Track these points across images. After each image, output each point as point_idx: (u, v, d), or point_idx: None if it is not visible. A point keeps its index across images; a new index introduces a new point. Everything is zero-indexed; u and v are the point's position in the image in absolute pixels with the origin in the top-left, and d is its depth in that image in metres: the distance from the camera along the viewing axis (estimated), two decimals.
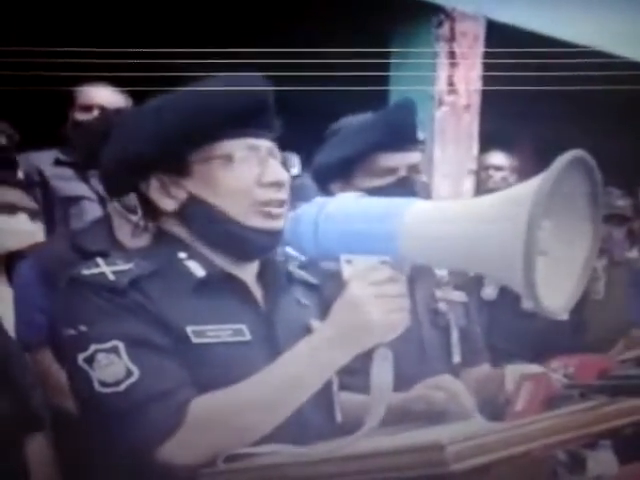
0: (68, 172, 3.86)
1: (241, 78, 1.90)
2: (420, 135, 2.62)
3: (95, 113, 3.86)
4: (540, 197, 1.55)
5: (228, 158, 1.86)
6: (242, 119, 1.86)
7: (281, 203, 1.88)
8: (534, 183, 1.58)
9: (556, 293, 1.65)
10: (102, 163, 1.96)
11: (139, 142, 1.86)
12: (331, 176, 2.61)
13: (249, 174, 1.87)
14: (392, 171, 2.56)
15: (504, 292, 3.81)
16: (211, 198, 1.86)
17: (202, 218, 1.87)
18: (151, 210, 1.92)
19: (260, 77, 1.92)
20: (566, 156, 1.61)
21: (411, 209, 1.72)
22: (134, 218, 2.74)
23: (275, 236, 1.87)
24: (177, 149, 1.86)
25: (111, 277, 1.80)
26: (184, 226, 1.89)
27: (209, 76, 1.92)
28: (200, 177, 1.87)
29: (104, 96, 3.93)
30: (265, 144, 1.90)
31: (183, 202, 1.88)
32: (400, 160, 2.57)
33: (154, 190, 1.88)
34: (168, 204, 1.88)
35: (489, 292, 3.80)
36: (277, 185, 1.88)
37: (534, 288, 1.57)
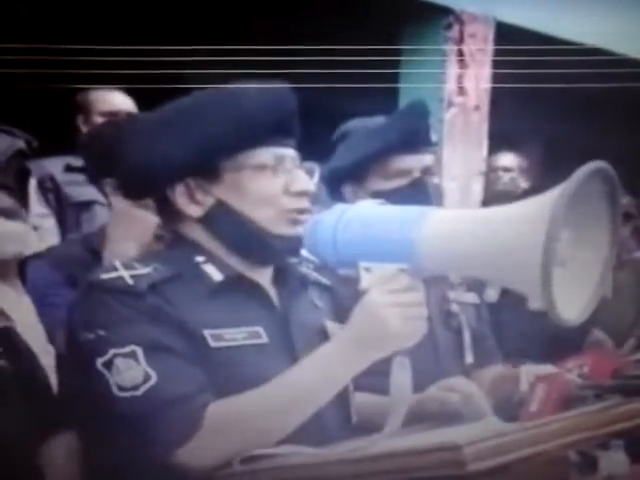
0: (79, 177, 3.86)
1: (271, 86, 1.91)
2: (433, 137, 2.63)
3: (120, 118, 3.86)
4: (558, 212, 1.56)
5: (260, 167, 1.87)
6: (274, 128, 1.88)
7: (305, 211, 1.89)
8: (552, 196, 1.58)
9: (573, 301, 1.66)
10: (125, 166, 1.97)
11: (173, 148, 1.86)
12: (344, 179, 2.61)
13: (278, 183, 1.88)
14: (405, 173, 2.56)
15: (507, 293, 3.80)
16: (238, 205, 1.87)
17: (228, 224, 1.88)
18: (170, 214, 1.93)
19: (287, 86, 1.93)
20: (585, 168, 1.61)
21: (430, 217, 1.73)
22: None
23: (298, 242, 1.89)
24: (212, 157, 1.86)
25: (130, 281, 1.80)
26: (206, 231, 1.90)
27: (238, 83, 1.93)
28: (230, 184, 1.87)
29: (126, 102, 3.94)
30: (290, 153, 1.91)
31: (209, 208, 1.88)
32: (413, 162, 2.57)
33: (180, 195, 1.89)
34: (194, 210, 1.89)
35: (491, 294, 3.79)
36: (304, 194, 1.89)
37: (552, 299, 1.58)
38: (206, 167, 1.87)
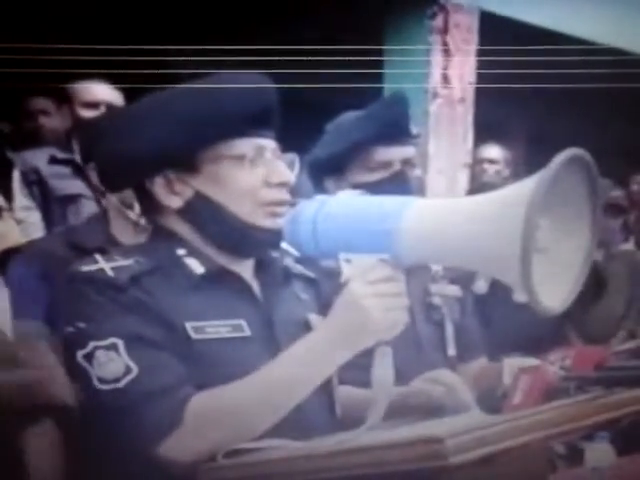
0: (65, 170, 3.84)
1: (250, 78, 1.90)
2: (413, 129, 2.62)
3: (101, 109, 3.84)
4: (537, 197, 1.56)
5: (239, 158, 1.87)
6: (253, 119, 1.87)
7: (284, 203, 1.89)
8: (531, 182, 1.58)
9: (554, 289, 1.66)
10: (105, 157, 1.96)
11: (150, 139, 1.86)
12: (324, 171, 2.61)
13: (257, 174, 1.87)
14: (386, 165, 2.56)
15: (496, 285, 3.80)
16: (217, 196, 1.87)
17: (207, 215, 1.88)
18: (150, 206, 1.93)
19: (266, 77, 1.92)
20: (563, 155, 1.61)
21: (410, 208, 1.72)
22: (132, 214, 2.76)
23: (278, 234, 1.88)
24: (189, 147, 1.86)
25: (110, 273, 1.80)
26: (186, 223, 1.90)
27: (217, 74, 1.92)
28: (208, 175, 1.87)
29: (108, 93, 3.92)
30: (270, 144, 1.91)
31: (188, 199, 1.88)
32: (394, 154, 2.57)
33: (158, 187, 1.88)
34: (173, 201, 1.88)
35: (480, 285, 3.79)
36: (283, 185, 1.89)
37: (531, 286, 1.58)
38: (184, 158, 1.86)
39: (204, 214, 1.88)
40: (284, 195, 1.89)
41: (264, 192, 1.88)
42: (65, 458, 2.00)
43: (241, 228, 1.87)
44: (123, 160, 1.90)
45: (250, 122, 1.87)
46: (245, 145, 1.87)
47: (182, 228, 1.90)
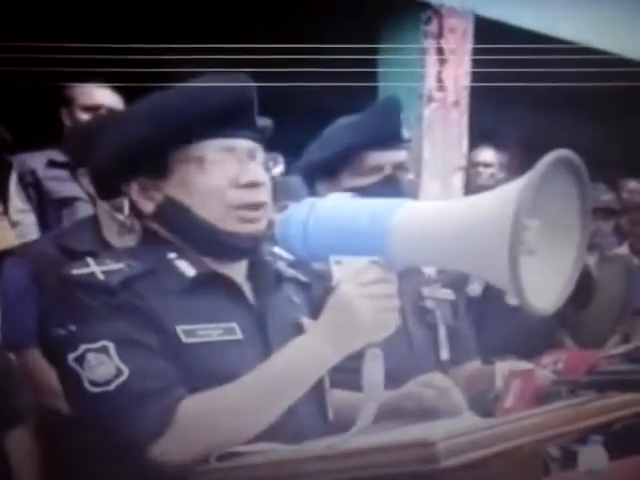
0: (61, 173, 3.83)
1: (223, 77, 1.89)
2: (406, 133, 2.62)
3: (102, 112, 3.84)
4: (524, 197, 1.56)
5: (204, 160, 1.85)
6: (221, 118, 1.85)
7: (258, 205, 1.87)
8: (519, 183, 1.59)
9: (545, 291, 1.66)
10: (93, 164, 1.97)
11: (123, 142, 1.86)
12: (316, 175, 2.61)
13: (223, 176, 1.86)
14: (378, 169, 2.56)
15: (489, 288, 3.81)
16: (186, 200, 1.86)
17: (177, 220, 1.87)
18: (138, 211, 1.93)
19: (243, 75, 1.90)
20: (550, 156, 1.61)
21: (400, 210, 1.73)
22: (122, 218, 2.75)
23: (254, 240, 1.87)
24: (156, 148, 1.85)
25: (101, 277, 1.79)
26: (164, 227, 1.90)
27: (195, 75, 1.91)
28: (176, 179, 1.86)
29: (108, 96, 3.92)
30: (245, 144, 1.89)
31: (159, 204, 1.88)
32: (386, 159, 2.57)
33: (134, 192, 1.89)
34: (146, 206, 1.88)
35: (474, 288, 3.79)
36: (253, 186, 1.86)
37: (520, 287, 1.58)
38: (154, 160, 1.86)
39: (174, 219, 1.88)
40: (255, 196, 1.87)
41: (232, 193, 1.85)
42: (53, 462, 2.00)
43: (211, 233, 1.86)
44: (103, 167, 1.90)
45: (220, 122, 1.85)
46: (208, 146, 1.86)
47: (166, 232, 1.90)
